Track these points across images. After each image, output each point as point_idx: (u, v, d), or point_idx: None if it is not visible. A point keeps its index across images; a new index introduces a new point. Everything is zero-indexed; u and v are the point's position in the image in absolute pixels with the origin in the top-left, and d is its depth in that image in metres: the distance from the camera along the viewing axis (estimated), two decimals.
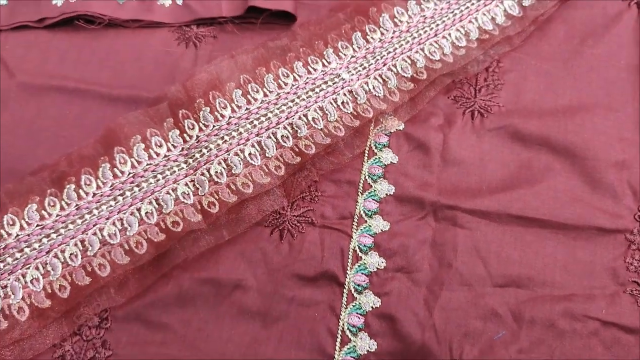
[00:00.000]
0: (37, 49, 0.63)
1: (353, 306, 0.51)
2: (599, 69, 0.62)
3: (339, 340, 0.50)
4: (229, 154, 0.55)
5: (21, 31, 0.64)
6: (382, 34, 0.62)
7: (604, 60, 0.62)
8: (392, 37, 0.61)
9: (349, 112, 0.57)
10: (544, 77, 0.61)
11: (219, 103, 0.57)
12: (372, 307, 0.51)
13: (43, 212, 0.52)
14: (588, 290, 0.51)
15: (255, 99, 0.57)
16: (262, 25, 0.64)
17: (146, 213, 0.52)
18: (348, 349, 0.49)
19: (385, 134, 0.58)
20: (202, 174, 0.53)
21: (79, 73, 0.61)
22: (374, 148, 0.58)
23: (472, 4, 0.63)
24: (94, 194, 0.53)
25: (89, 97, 0.60)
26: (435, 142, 0.58)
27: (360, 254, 0.53)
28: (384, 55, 0.60)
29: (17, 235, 0.51)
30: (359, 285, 0.52)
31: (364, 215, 0.55)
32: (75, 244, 0.51)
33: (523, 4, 0.63)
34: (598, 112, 0.59)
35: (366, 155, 0.58)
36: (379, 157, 0.57)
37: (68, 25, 0.64)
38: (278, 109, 0.57)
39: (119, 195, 0.53)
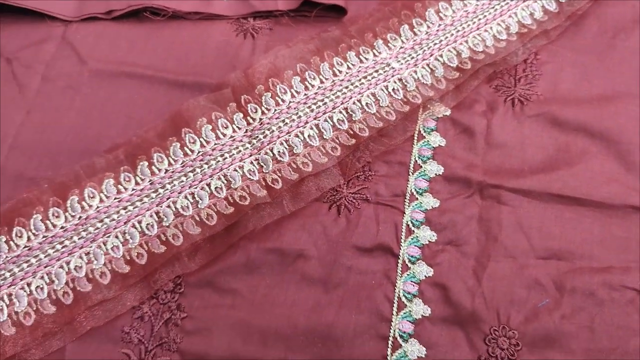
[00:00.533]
0: (107, 38, 0.68)
1: (407, 275, 0.55)
2: (630, 60, 0.66)
3: (395, 305, 0.54)
4: (289, 135, 0.59)
5: (91, 22, 0.68)
6: (428, 27, 0.66)
7: (635, 53, 0.67)
8: (437, 30, 0.66)
9: (399, 98, 0.62)
10: (579, 68, 0.66)
11: (279, 89, 0.61)
12: (425, 276, 0.55)
13: (119, 186, 0.56)
14: (624, 264, 0.55)
15: (313, 85, 0.62)
16: (315, 18, 0.69)
17: (216, 188, 0.56)
18: (404, 313, 0.54)
19: (433, 119, 0.63)
20: (266, 153, 0.58)
21: (146, 60, 0.66)
22: (422, 132, 0.62)
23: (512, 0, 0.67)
24: (166, 170, 0.57)
25: (157, 82, 0.64)
26: (480, 127, 0.62)
27: (412, 228, 0.57)
28: (431, 47, 0.65)
29: (97, 207, 0.55)
30: (412, 256, 0.56)
31: (415, 193, 0.59)
32: (151, 215, 0.55)
33: (560, 0, 0.67)
34: (630, 100, 0.63)
35: (415, 138, 0.62)
36: (428, 140, 0.62)
37: (134, 17, 0.69)
38: (334, 94, 0.62)
39: (189, 171, 0.57)
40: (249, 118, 0.60)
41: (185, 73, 0.65)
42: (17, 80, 0.65)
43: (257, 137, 0.59)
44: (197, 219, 0.55)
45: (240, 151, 0.58)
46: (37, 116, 0.63)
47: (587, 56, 0.67)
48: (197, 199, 0.56)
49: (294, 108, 0.60)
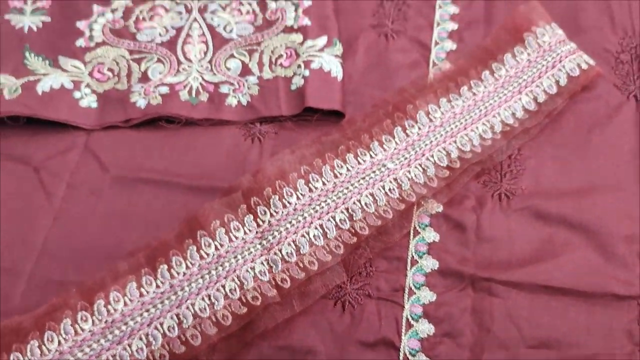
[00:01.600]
0: (126, 145, 0.74)
1: None
2: (605, 154, 0.72)
3: None
4: (296, 236, 0.64)
5: (111, 130, 0.75)
6: (419, 128, 0.72)
7: (610, 147, 0.73)
8: (427, 131, 0.72)
9: (396, 197, 0.68)
10: (559, 163, 0.72)
11: (286, 192, 0.67)
12: None
13: (142, 289, 0.62)
14: (609, 350, 0.60)
15: (316, 188, 0.68)
16: (316, 121, 0.75)
17: (230, 289, 0.61)
18: None
19: (427, 215, 0.68)
20: (275, 254, 0.63)
21: (163, 166, 0.72)
22: (418, 228, 0.68)
23: (495, 100, 0.74)
24: (184, 273, 0.62)
25: (173, 187, 0.70)
26: (470, 222, 0.68)
27: (412, 322, 0.62)
28: (422, 147, 0.71)
29: (122, 310, 0.60)
30: (412, 349, 0.61)
31: (413, 287, 0.64)
32: (172, 317, 0.60)
33: (538, 101, 0.74)
34: (607, 192, 0.69)
35: (411, 234, 0.67)
36: (423, 236, 0.67)
37: (151, 124, 0.75)
38: (335, 195, 0.67)
39: (205, 274, 0.62)
40: (258, 220, 0.66)
41: (199, 177, 0.71)
42: (45, 188, 0.70)
43: (267, 238, 0.64)
44: (214, 319, 0.60)
45: (251, 252, 0.64)
46: (63, 223, 0.68)
47: (565, 150, 0.73)
48: (214, 300, 0.61)
49: (300, 210, 0.66)
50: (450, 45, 0.81)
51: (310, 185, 0.68)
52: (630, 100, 0.76)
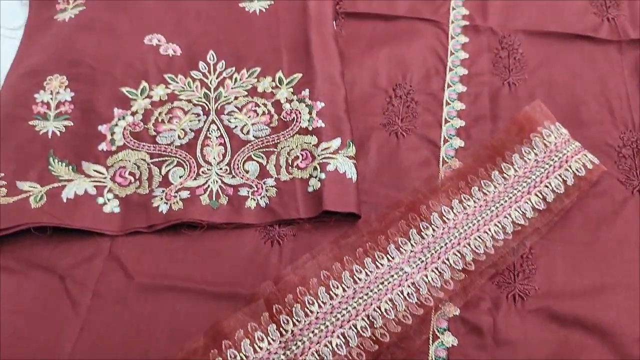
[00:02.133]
0: (149, 251, 0.76)
1: None
2: (614, 251, 0.75)
3: None
4: (319, 346, 0.66)
5: (134, 236, 0.77)
6: (433, 230, 0.75)
7: (618, 243, 0.75)
8: (442, 233, 0.75)
9: (414, 302, 0.70)
10: (570, 261, 0.74)
11: (307, 300, 0.69)
12: None
13: None
14: None
15: (336, 294, 0.70)
16: (334, 222, 0.77)
17: None
18: None
19: (445, 319, 0.70)
20: None
21: (186, 272, 0.74)
22: (436, 332, 0.70)
23: (505, 201, 0.77)
24: None
25: (196, 294, 0.72)
26: (487, 325, 0.69)
27: None
28: (438, 250, 0.73)
29: None
30: None
31: None
32: None
33: (547, 200, 0.77)
34: (619, 291, 0.71)
35: (431, 339, 0.69)
36: (442, 341, 0.69)
37: (173, 229, 0.77)
38: (355, 302, 0.69)
39: None
40: (282, 329, 0.67)
41: (221, 284, 0.73)
42: (71, 297, 0.72)
43: (291, 348, 0.66)
44: None
45: None
46: (90, 333, 0.69)
47: (575, 248, 0.75)
48: None
49: (322, 318, 0.68)
50: (459, 142, 0.84)
51: (330, 292, 0.70)
52: (635, 195, 0.79)
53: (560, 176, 0.78)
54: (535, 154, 0.79)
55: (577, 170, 0.78)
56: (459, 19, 0.99)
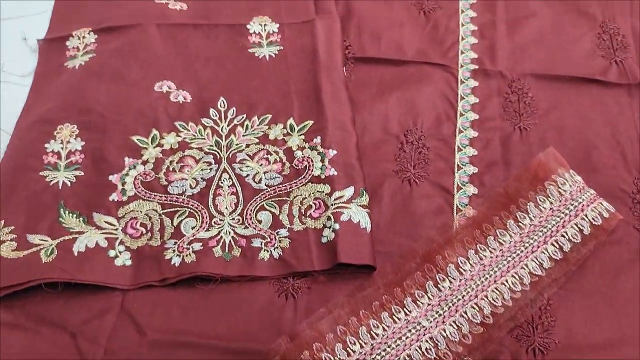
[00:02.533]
0: (162, 306, 0.74)
1: None
2: (633, 301, 0.74)
3: None
4: None
5: (147, 289, 0.76)
6: (450, 282, 0.74)
7: (637, 293, 0.74)
8: (459, 285, 0.74)
9: (433, 357, 0.68)
10: (588, 312, 0.73)
11: (324, 357, 0.67)
12: None
13: None
14: None
15: (354, 351, 0.68)
16: (348, 275, 0.76)
17: None
18: None
19: None
20: None
21: (199, 328, 0.72)
22: None
23: (522, 251, 0.76)
24: None
25: (211, 350, 0.70)
26: None
27: None
28: (455, 302, 0.72)
29: None
30: None
31: None
32: None
33: (564, 250, 0.76)
34: (638, 345, 0.70)
35: None
36: None
37: (186, 283, 0.76)
38: (373, 358, 0.68)
39: None
40: None
41: (235, 339, 0.71)
42: (82, 354, 0.70)
43: None
44: None
45: None
46: None
47: (593, 299, 0.74)
48: None
49: None
50: (473, 189, 0.84)
51: (348, 349, 0.68)
52: None
53: (577, 225, 0.77)
54: (551, 203, 0.79)
55: (593, 219, 0.77)
56: (468, 62, 0.99)
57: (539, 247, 0.76)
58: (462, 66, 0.99)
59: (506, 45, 1.01)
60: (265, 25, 1.01)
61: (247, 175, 0.84)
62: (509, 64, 0.99)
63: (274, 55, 0.98)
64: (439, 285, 0.74)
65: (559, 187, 0.79)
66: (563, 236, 0.76)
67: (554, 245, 0.76)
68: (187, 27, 1.01)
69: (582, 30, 1.03)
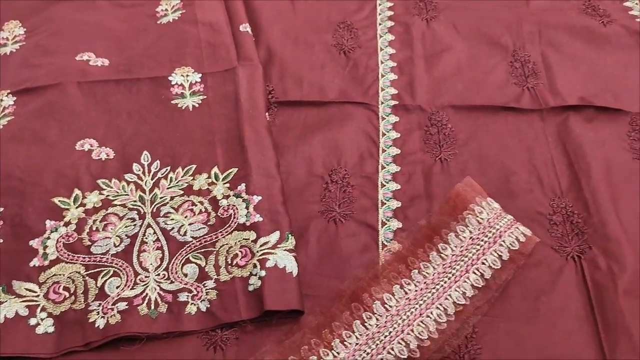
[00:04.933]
0: None
1: None
2: (555, 323, 0.75)
3: None
4: None
5: (70, 355, 0.74)
6: (377, 319, 0.74)
7: (558, 313, 0.76)
8: (385, 322, 0.74)
9: None
10: (513, 336, 0.75)
11: None
12: None
13: None
14: None
15: None
16: (277, 321, 0.76)
17: None
18: None
19: None
20: None
21: None
22: None
23: (445, 282, 0.77)
24: None
25: None
26: None
27: None
28: (382, 339, 0.73)
29: None
30: None
31: None
32: None
33: (485, 277, 0.77)
34: None
35: None
36: None
37: (112, 345, 0.74)
38: None
39: None
40: None
41: None
42: None
43: None
44: None
45: None
46: None
47: (517, 323, 0.76)
48: None
49: None
50: (397, 224, 0.85)
51: None
52: (569, 262, 0.81)
53: (496, 252, 0.79)
54: (470, 232, 0.81)
55: (511, 244, 0.79)
56: (389, 98, 1.02)
57: (461, 276, 0.78)
58: (382, 103, 1.01)
59: (425, 79, 1.05)
60: (187, 75, 1.02)
61: (172, 229, 0.84)
62: (428, 98, 1.02)
63: (197, 105, 0.99)
64: (365, 324, 0.74)
65: (477, 216, 0.81)
66: (483, 263, 0.78)
67: (475, 274, 0.78)
68: (109, 83, 1.01)
69: (496, 59, 1.08)
